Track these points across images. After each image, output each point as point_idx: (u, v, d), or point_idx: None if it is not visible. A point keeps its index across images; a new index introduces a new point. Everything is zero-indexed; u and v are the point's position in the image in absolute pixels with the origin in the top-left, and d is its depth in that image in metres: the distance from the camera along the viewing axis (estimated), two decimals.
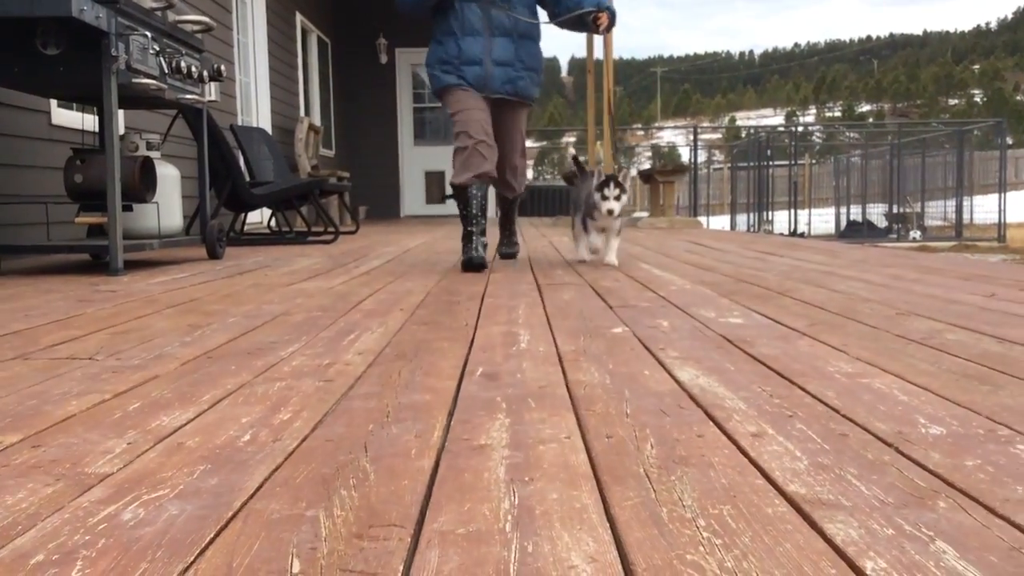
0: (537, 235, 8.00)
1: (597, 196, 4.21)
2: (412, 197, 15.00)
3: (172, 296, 3.16)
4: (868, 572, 0.82)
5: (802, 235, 16.98)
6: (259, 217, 9.32)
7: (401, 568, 0.84)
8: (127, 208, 4.35)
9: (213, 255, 5.03)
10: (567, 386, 1.65)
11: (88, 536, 0.92)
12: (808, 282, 3.45)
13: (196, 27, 4.86)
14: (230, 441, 1.28)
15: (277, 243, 7.00)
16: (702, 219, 16.84)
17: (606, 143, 11.32)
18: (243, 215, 7.45)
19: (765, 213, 17.65)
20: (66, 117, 5.44)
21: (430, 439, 1.29)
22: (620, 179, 4.22)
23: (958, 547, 0.87)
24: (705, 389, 1.60)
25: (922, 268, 4.04)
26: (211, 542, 0.91)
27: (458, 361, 1.90)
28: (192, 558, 0.87)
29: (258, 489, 1.07)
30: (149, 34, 4.27)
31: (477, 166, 4.25)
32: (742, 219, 18.14)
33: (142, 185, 4.37)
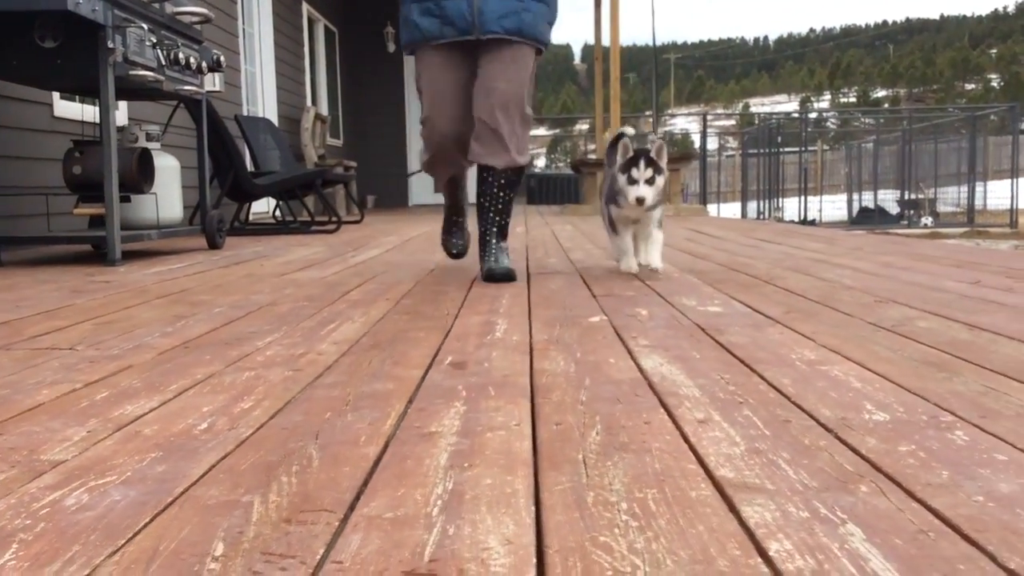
0: (540, 223, 8.01)
1: (623, 179, 3.18)
2: (420, 186, 15.02)
3: (164, 286, 3.20)
4: (771, 553, 0.84)
5: (812, 222, 16.93)
6: (266, 207, 9.37)
7: (322, 551, 0.87)
8: (125, 199, 4.39)
9: (213, 245, 5.08)
10: (531, 375, 1.67)
11: (29, 520, 0.96)
12: (797, 270, 3.46)
13: (194, 18, 4.89)
14: (187, 429, 1.32)
15: (280, 233, 7.05)
16: (712, 207, 16.82)
17: (614, 131, 11.31)
18: (248, 205, 7.50)
19: (776, 200, 17.60)
20: (68, 109, 5.48)
21: (382, 427, 1.32)
22: (654, 155, 3.16)
23: (867, 530, 0.89)
24: (665, 377, 1.62)
25: (916, 255, 4.04)
26: (145, 527, 0.94)
27: (430, 350, 1.93)
28: (123, 542, 0.90)
29: (202, 476, 1.10)
30: (146, 26, 4.31)
31: (446, 172, 3.53)
32: (753, 206, 18.10)
33: (139, 176, 4.42)
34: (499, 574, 0.81)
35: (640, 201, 3.13)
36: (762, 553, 0.84)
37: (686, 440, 1.22)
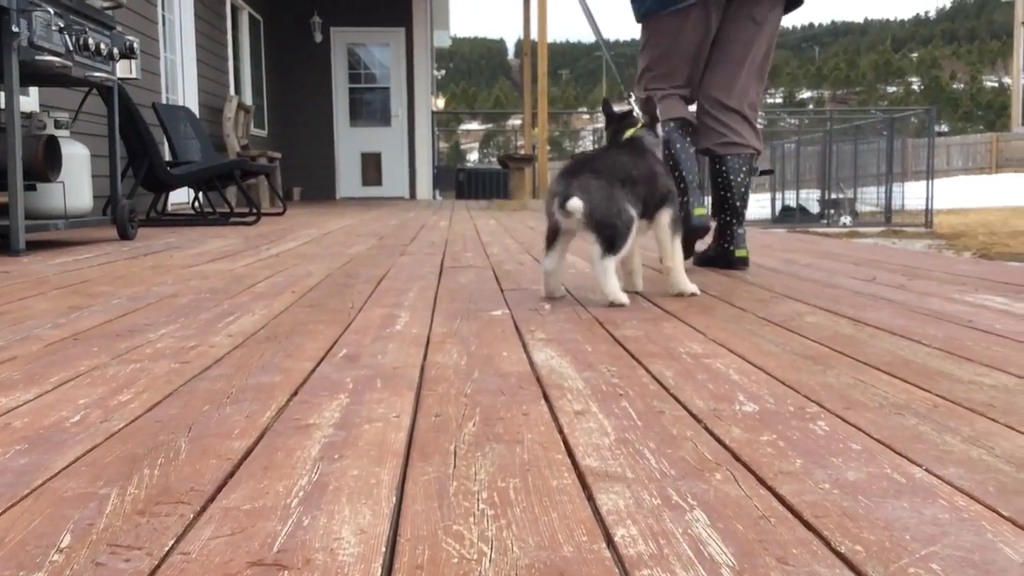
0: (465, 218, 8.01)
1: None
2: (348, 178, 14.90)
3: (64, 277, 3.12)
4: (616, 539, 0.86)
5: None
6: (186, 198, 9.19)
7: (170, 543, 0.86)
8: (30, 188, 4.27)
9: (124, 236, 4.97)
10: (422, 368, 1.68)
11: None
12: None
13: (105, 3, 4.77)
14: (58, 422, 1.29)
15: (198, 224, 6.92)
16: None
17: (541, 127, 11.37)
18: (165, 195, 7.35)
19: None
20: None
21: (259, 419, 1.31)
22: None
23: (712, 516, 0.92)
24: (553, 369, 1.65)
25: (820, 253, 4.15)
26: None
27: (326, 343, 1.92)
28: None
29: (64, 468, 1.08)
30: (53, 10, 4.19)
31: (673, 110, 3.29)
32: None
33: (45, 164, 4.30)
34: (346, 563, 0.82)
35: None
36: (608, 539, 0.87)
37: (560, 431, 1.24)
